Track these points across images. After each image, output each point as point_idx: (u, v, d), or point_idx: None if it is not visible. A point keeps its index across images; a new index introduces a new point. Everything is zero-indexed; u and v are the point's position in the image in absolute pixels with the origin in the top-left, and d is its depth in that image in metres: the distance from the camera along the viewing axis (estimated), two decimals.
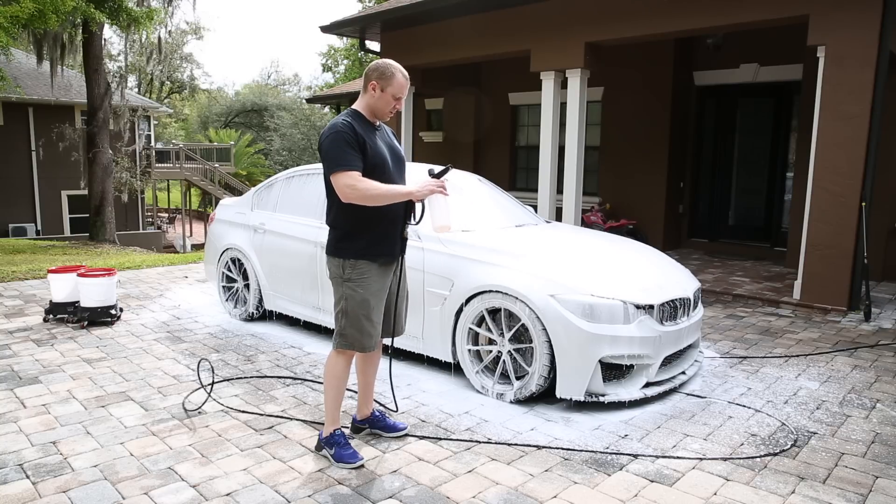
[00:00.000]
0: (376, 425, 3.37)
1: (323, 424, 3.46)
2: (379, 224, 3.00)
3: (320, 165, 5.48)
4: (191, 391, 3.94)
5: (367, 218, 2.96)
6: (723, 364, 4.66)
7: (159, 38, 19.87)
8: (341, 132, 2.90)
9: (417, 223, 3.17)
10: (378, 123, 3.11)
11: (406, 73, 3.03)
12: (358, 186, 2.84)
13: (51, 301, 5.52)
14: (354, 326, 3.00)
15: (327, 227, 3.10)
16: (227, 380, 4.15)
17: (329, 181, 2.94)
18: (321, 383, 4.12)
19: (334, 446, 3.08)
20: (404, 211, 3.09)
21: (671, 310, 3.91)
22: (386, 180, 2.99)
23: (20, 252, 13.40)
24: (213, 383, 3.95)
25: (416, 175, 5.11)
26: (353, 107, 3.07)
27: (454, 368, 4.23)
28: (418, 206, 3.12)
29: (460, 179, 5.34)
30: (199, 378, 4.11)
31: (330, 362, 3.11)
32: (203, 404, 3.71)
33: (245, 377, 4.21)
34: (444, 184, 2.96)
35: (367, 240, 2.98)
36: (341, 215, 2.97)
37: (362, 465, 3.04)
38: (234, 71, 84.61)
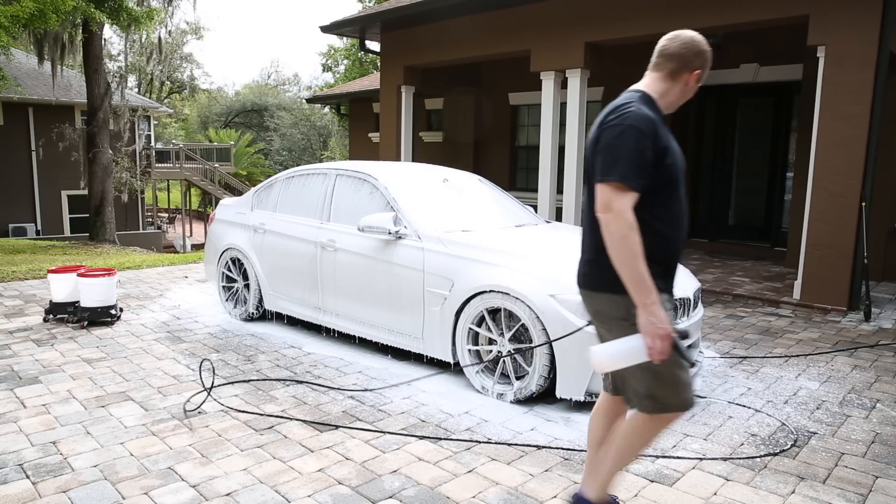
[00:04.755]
0: None
1: (326, 425, 3.47)
2: (674, 246, 2.28)
3: (320, 165, 5.51)
4: (193, 393, 3.93)
5: (663, 238, 2.22)
6: (723, 364, 4.66)
7: (159, 38, 19.84)
8: (643, 130, 2.11)
9: None
10: None
11: None
12: (626, 220, 2.08)
13: (51, 301, 5.51)
14: (668, 382, 2.23)
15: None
16: (231, 383, 4.15)
17: (592, 182, 2.23)
18: (320, 385, 4.11)
19: None
20: None
21: (671, 310, 3.90)
22: (677, 201, 2.25)
23: (20, 252, 13.40)
24: (212, 386, 3.95)
25: (425, 176, 5.16)
26: (647, 91, 2.27)
27: (454, 368, 4.23)
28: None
29: (460, 179, 5.35)
30: (202, 380, 4.11)
31: (636, 426, 2.35)
32: (202, 404, 3.71)
33: (246, 380, 4.21)
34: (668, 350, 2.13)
35: (663, 267, 2.25)
36: None
37: None
38: (234, 71, 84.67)
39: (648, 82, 2.29)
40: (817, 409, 3.84)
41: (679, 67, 2.24)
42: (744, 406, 3.84)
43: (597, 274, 2.26)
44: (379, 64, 12.38)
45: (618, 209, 2.08)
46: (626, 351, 2.14)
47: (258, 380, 4.17)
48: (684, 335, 2.20)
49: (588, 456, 2.58)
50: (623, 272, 2.10)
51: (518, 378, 3.86)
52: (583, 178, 2.35)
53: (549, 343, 3.64)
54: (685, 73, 2.25)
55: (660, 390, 2.24)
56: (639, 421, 2.34)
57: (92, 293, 5.35)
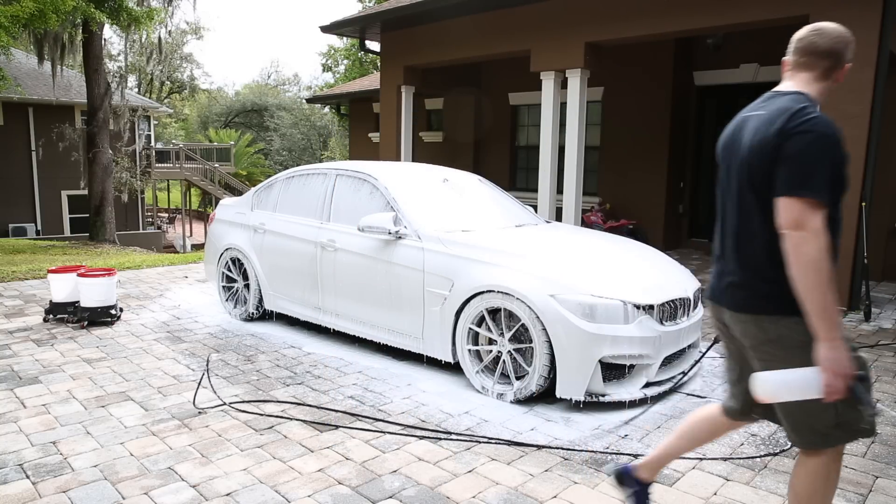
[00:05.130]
0: (640, 496, 2.51)
1: (326, 425, 3.47)
2: (837, 257, 2.05)
3: (320, 165, 5.51)
4: (211, 406, 3.93)
5: (834, 250, 2.02)
6: (723, 364, 4.65)
7: (159, 38, 19.85)
8: (835, 139, 1.95)
9: None
10: None
11: None
12: (822, 241, 1.89)
13: (51, 301, 5.51)
14: (854, 404, 1.96)
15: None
16: (244, 402, 4.14)
17: (764, 193, 2.01)
18: (321, 410, 4.11)
19: None
20: None
21: (671, 310, 3.91)
22: (840, 217, 2.05)
23: (20, 252, 13.40)
24: (201, 379, 3.95)
25: (425, 176, 5.16)
26: (810, 93, 2.09)
27: (454, 368, 4.23)
28: None
29: (460, 179, 5.35)
30: (209, 378, 4.11)
31: (812, 472, 2.05)
32: (195, 397, 3.70)
33: (252, 401, 4.21)
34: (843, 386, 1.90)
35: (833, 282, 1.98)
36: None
37: None
38: (234, 71, 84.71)
39: (802, 84, 2.09)
40: None
41: (834, 64, 2.08)
42: None
43: (780, 295, 1.98)
44: (379, 64, 12.38)
45: (813, 229, 1.88)
46: (800, 383, 1.92)
47: (252, 401, 4.17)
48: (863, 378, 1.97)
49: (668, 441, 2.43)
50: (809, 299, 1.88)
51: (518, 378, 3.86)
52: (724, 183, 2.16)
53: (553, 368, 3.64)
54: (838, 70, 2.09)
55: (849, 414, 1.97)
56: (810, 466, 2.04)
57: (92, 293, 5.35)
